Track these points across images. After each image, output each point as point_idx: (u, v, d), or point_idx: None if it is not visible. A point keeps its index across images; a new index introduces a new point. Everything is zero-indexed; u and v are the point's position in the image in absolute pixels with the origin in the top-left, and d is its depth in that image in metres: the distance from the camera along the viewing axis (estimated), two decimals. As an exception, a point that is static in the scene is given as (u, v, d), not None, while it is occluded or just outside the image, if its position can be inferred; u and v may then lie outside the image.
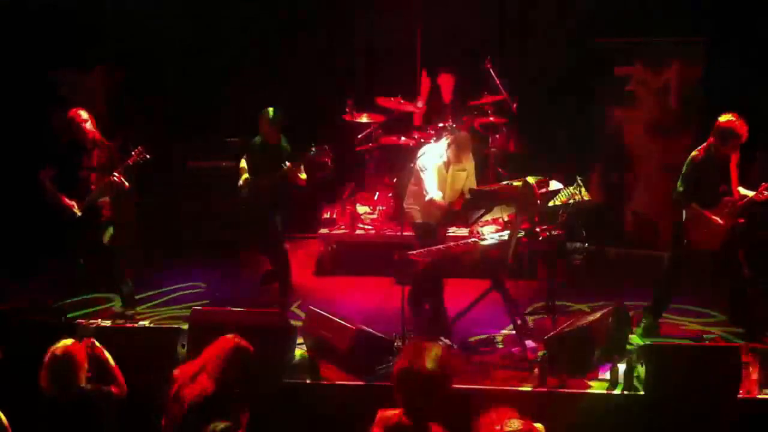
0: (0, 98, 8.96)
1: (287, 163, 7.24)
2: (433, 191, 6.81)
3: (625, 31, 8.84)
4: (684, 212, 6.52)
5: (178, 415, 4.51)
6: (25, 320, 6.08)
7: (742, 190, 6.51)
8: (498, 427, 3.69)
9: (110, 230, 7.17)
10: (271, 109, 7.42)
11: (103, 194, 7.08)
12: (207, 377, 4.57)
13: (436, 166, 6.91)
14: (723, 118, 6.36)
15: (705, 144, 6.49)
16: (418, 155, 7.21)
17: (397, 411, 3.96)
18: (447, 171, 6.95)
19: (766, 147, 8.00)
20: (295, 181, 7.36)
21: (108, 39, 9.26)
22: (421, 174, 6.92)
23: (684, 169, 6.54)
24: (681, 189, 6.50)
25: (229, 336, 4.76)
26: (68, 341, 4.88)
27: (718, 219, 6.36)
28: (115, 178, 6.96)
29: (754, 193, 6.42)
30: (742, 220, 6.43)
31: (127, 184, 7.07)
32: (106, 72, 9.27)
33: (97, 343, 5.20)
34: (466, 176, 7.07)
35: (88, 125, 7.03)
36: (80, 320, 6.53)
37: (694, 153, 6.53)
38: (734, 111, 6.40)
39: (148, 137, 7.88)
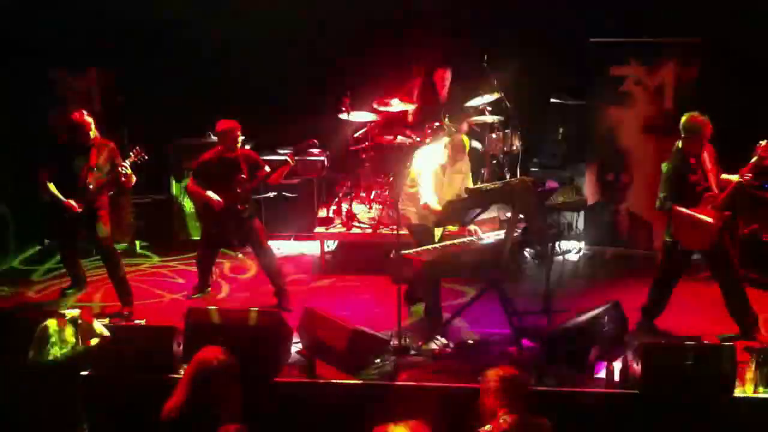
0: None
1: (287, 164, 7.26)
2: (428, 196, 6.81)
3: (621, 31, 8.86)
4: (670, 216, 6.56)
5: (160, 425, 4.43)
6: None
7: (725, 176, 6.54)
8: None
9: (107, 230, 7.20)
10: (233, 124, 7.35)
11: (101, 193, 7.10)
12: (180, 391, 4.25)
13: (432, 168, 6.91)
14: (684, 116, 6.51)
15: (675, 147, 6.60)
16: (414, 157, 7.21)
17: None
18: (444, 174, 6.96)
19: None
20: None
21: (105, 39, 9.26)
22: (417, 177, 6.92)
23: (662, 174, 6.61)
24: (662, 194, 6.57)
25: (207, 350, 4.32)
26: (54, 319, 5.24)
27: (705, 217, 6.39)
28: (123, 169, 6.98)
29: (737, 179, 6.44)
30: (729, 213, 6.44)
31: (134, 179, 7.10)
32: (101, 72, 9.27)
33: (79, 313, 5.46)
34: (463, 178, 7.08)
35: (92, 127, 7.07)
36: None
37: (667, 162, 6.62)
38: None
39: (145, 137, 7.91)
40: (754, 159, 6.37)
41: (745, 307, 6.61)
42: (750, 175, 6.38)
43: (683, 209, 6.47)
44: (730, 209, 6.46)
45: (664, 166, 6.65)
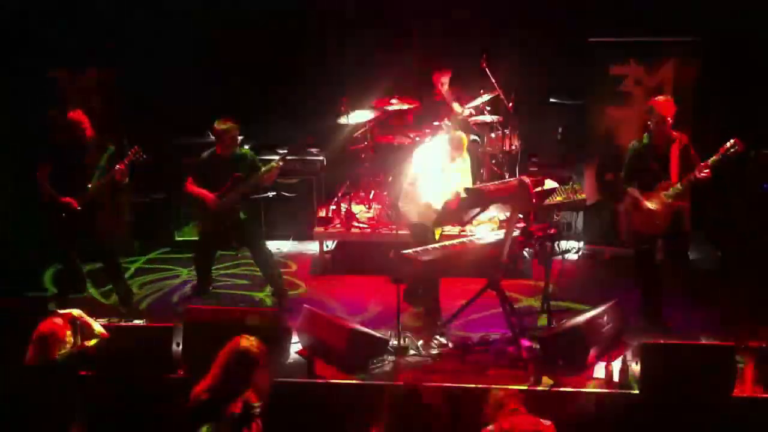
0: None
1: (278, 162, 7.23)
2: (429, 194, 6.81)
3: (621, 30, 8.86)
4: (624, 199, 6.78)
5: (182, 414, 4.45)
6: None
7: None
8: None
9: (105, 229, 7.22)
10: (231, 123, 7.32)
11: (99, 191, 7.11)
12: (209, 379, 4.42)
13: (431, 167, 6.91)
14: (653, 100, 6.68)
15: (644, 131, 6.73)
16: (413, 155, 7.21)
17: None
18: (442, 171, 6.95)
19: (761, 146, 8.03)
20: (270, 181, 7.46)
21: (105, 39, 9.26)
22: (417, 176, 6.92)
23: (626, 153, 6.77)
24: (622, 175, 6.76)
25: (238, 339, 4.53)
26: (53, 319, 5.34)
27: (649, 204, 6.53)
28: (120, 165, 6.98)
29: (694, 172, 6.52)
30: (683, 203, 6.51)
31: (127, 178, 7.10)
32: (101, 72, 9.26)
33: (78, 313, 5.62)
34: (461, 175, 7.08)
35: (88, 126, 7.08)
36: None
37: (633, 140, 6.77)
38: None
39: (144, 134, 7.91)
40: (714, 157, 6.39)
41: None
42: (707, 171, 6.38)
43: (635, 193, 6.64)
44: (681, 200, 6.55)
45: (630, 146, 6.81)
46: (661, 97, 6.71)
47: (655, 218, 6.57)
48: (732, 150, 6.33)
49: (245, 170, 7.29)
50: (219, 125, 7.30)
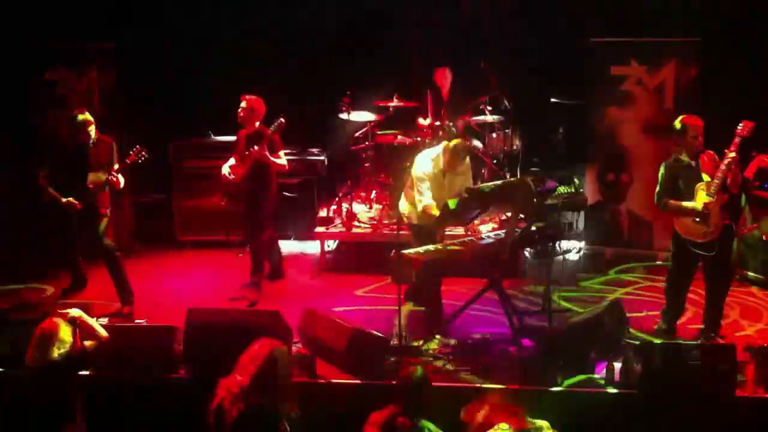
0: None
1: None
2: (427, 200, 6.80)
3: (622, 30, 8.87)
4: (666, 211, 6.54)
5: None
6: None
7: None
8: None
9: (107, 228, 7.22)
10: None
11: (100, 191, 7.12)
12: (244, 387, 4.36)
13: (432, 171, 6.90)
14: (677, 119, 6.44)
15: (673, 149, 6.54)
16: (416, 159, 7.16)
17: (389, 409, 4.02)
18: (444, 176, 6.94)
19: (762, 147, 8.02)
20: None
21: (105, 38, 9.26)
22: (416, 180, 6.91)
23: (659, 174, 6.54)
24: (657, 191, 6.50)
25: (263, 341, 4.53)
26: (53, 319, 5.41)
27: (695, 204, 6.27)
28: (112, 177, 7.00)
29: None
30: (726, 195, 6.35)
31: (122, 183, 7.11)
32: (101, 72, 9.27)
33: (78, 314, 5.66)
34: (463, 179, 7.06)
35: (92, 126, 7.08)
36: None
37: (663, 162, 6.55)
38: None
39: (144, 135, 7.91)
40: (736, 139, 6.28)
41: (721, 305, 6.59)
42: (735, 154, 6.26)
43: (676, 202, 6.38)
44: (724, 191, 6.31)
45: (662, 164, 6.59)
46: (683, 117, 6.47)
47: (705, 220, 6.28)
48: (746, 130, 6.26)
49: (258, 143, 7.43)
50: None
